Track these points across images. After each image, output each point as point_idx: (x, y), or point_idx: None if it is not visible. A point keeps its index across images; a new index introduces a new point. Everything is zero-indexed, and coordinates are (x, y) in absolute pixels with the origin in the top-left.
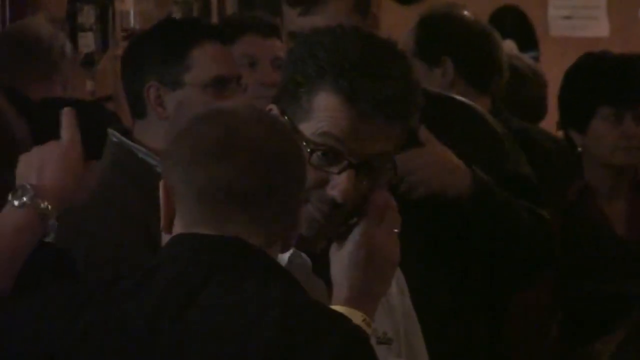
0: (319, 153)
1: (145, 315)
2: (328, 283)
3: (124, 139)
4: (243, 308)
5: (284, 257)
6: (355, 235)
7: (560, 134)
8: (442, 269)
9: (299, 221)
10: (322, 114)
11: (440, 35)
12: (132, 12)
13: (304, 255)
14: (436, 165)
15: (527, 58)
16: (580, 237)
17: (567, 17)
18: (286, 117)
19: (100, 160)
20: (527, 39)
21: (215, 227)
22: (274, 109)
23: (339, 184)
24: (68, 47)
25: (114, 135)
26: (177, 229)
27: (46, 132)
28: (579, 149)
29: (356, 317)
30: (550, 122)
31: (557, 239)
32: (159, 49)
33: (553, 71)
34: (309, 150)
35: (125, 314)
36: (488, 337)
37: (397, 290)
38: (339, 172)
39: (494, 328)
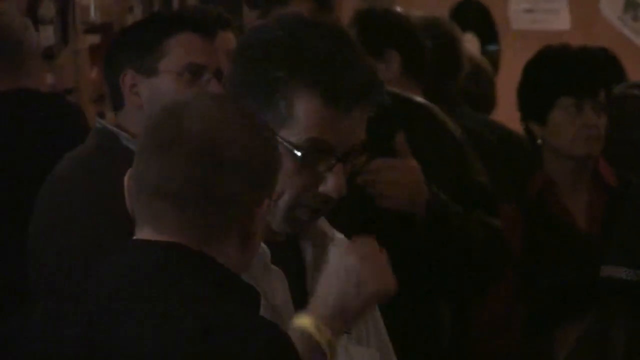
0: (309, 156)
1: (81, 326)
2: (287, 273)
3: (107, 124)
4: (164, 322)
5: None
6: (339, 255)
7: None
8: (401, 270)
9: (255, 214)
10: (305, 121)
11: (383, 28)
12: (92, 6)
13: (262, 244)
14: (405, 184)
15: (474, 51)
16: (542, 231)
17: (529, 11)
18: None
19: (83, 145)
20: (489, 32)
21: (154, 227)
22: None
23: (331, 180)
24: (34, 40)
25: (99, 122)
26: None
27: (10, 121)
28: (539, 142)
29: (324, 335)
30: (504, 116)
31: (519, 232)
32: (136, 39)
33: (514, 65)
34: (295, 154)
35: (63, 324)
36: (452, 328)
37: None
38: (329, 170)
39: (457, 320)
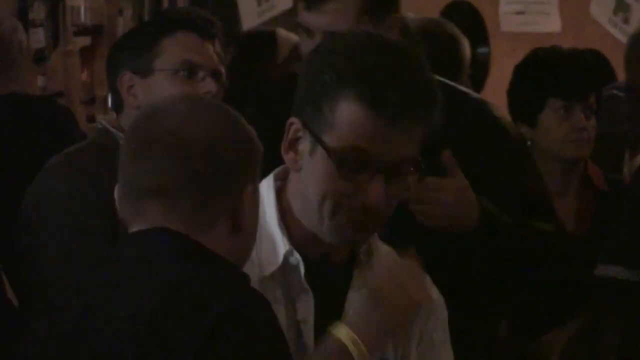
0: (348, 165)
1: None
2: (315, 291)
3: (108, 125)
4: (142, 284)
5: (279, 255)
6: (378, 273)
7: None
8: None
9: (238, 202)
10: (347, 126)
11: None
12: (82, 8)
13: (298, 256)
14: (452, 205)
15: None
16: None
17: (519, 13)
18: (308, 130)
19: (81, 143)
20: (478, 34)
21: (140, 223)
22: (296, 122)
23: (370, 190)
24: (24, 42)
25: (99, 122)
26: None
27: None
28: (529, 143)
29: (358, 348)
30: None
31: None
32: (133, 40)
33: (504, 67)
34: (336, 162)
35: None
36: None
37: None
38: (369, 179)
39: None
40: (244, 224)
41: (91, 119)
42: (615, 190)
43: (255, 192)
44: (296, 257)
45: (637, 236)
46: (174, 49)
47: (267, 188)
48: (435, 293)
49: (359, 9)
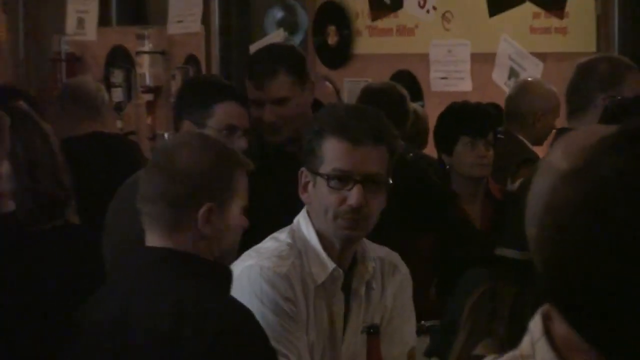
0: (333, 181)
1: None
2: (347, 294)
3: None
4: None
5: (327, 268)
6: None
7: None
8: None
9: (200, 218)
10: (329, 154)
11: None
12: (147, 74)
13: (341, 272)
14: None
15: (416, 105)
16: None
17: (443, 78)
18: (310, 170)
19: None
20: (417, 92)
21: (146, 228)
22: (303, 170)
23: (352, 195)
24: (106, 97)
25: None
26: None
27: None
28: (447, 167)
29: None
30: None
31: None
32: (194, 100)
33: (433, 115)
34: (326, 180)
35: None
36: None
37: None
38: (350, 188)
39: None
40: (209, 233)
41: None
42: (507, 197)
43: (210, 209)
44: (340, 272)
45: (523, 228)
46: (222, 115)
47: (303, 219)
48: (404, 267)
49: (290, 82)
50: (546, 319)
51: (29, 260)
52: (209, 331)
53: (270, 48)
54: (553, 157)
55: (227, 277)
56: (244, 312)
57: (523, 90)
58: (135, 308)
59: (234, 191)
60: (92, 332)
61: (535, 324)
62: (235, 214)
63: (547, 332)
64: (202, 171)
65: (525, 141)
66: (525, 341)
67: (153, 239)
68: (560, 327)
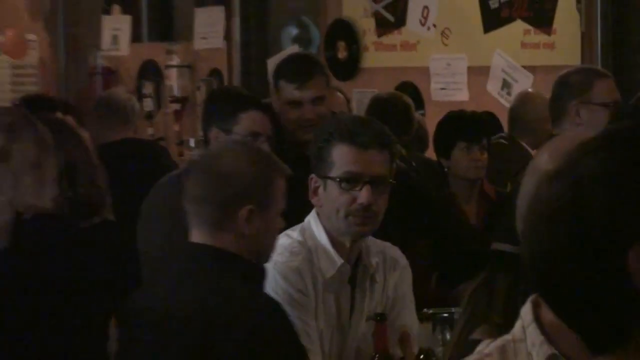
0: (344, 183)
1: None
2: (353, 286)
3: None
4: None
5: (336, 263)
6: None
7: None
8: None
9: (240, 219)
10: (339, 159)
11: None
12: (175, 86)
13: (348, 267)
14: None
15: (417, 114)
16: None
17: (443, 88)
18: (319, 176)
19: (175, 170)
20: (418, 102)
21: (192, 225)
22: (313, 176)
23: (362, 195)
24: (137, 107)
25: (188, 158)
26: None
27: (122, 158)
28: (446, 169)
29: None
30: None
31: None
32: (221, 108)
33: (434, 122)
34: (338, 182)
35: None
36: None
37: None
38: (360, 189)
39: None
40: (249, 232)
41: (180, 155)
42: (501, 198)
43: (251, 212)
44: (347, 268)
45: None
46: (247, 122)
47: (313, 219)
48: (403, 260)
49: (324, 82)
50: (536, 307)
51: (73, 254)
52: (245, 325)
53: (304, 54)
54: (539, 160)
55: (262, 275)
56: (277, 310)
57: (525, 100)
58: (179, 298)
59: (273, 195)
60: (137, 321)
61: (526, 311)
62: (273, 217)
63: (537, 318)
64: (244, 175)
65: (528, 147)
66: (517, 326)
67: (197, 236)
68: (548, 314)
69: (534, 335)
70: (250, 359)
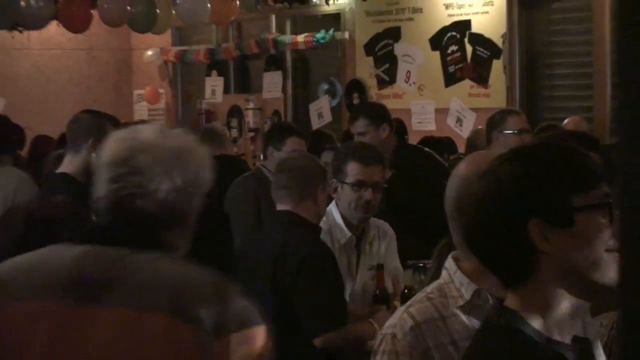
0: (355, 187)
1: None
2: (358, 250)
3: (261, 166)
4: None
5: (346, 235)
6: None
7: None
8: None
9: (312, 195)
10: (351, 172)
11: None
12: (251, 121)
13: (354, 237)
14: None
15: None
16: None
17: (419, 122)
18: (338, 180)
19: (249, 172)
20: (404, 131)
21: (277, 200)
22: (334, 181)
23: (367, 195)
24: (227, 135)
25: (259, 165)
26: None
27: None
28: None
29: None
30: None
31: None
32: (276, 136)
33: (414, 143)
34: (351, 186)
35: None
36: None
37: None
38: (365, 191)
39: None
40: (318, 204)
41: (254, 164)
42: None
43: (323, 190)
44: (353, 237)
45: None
46: (290, 144)
47: (333, 207)
48: (391, 231)
49: (367, 123)
50: (456, 260)
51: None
52: (303, 256)
53: (365, 105)
54: (458, 168)
55: (319, 231)
56: (325, 250)
57: (477, 132)
58: (276, 242)
59: (324, 183)
60: (253, 260)
61: (450, 263)
62: (323, 197)
63: (459, 267)
64: (307, 169)
65: None
66: (444, 274)
67: (284, 207)
68: (467, 264)
69: (460, 278)
70: (303, 278)
